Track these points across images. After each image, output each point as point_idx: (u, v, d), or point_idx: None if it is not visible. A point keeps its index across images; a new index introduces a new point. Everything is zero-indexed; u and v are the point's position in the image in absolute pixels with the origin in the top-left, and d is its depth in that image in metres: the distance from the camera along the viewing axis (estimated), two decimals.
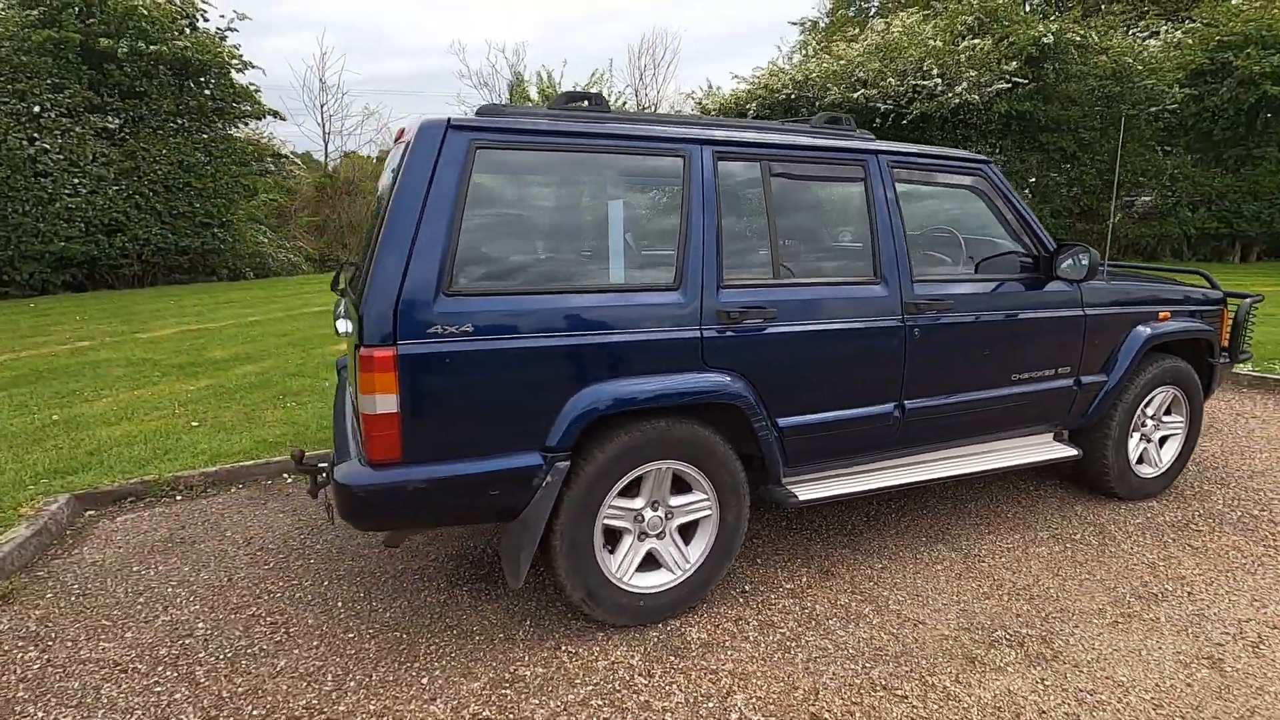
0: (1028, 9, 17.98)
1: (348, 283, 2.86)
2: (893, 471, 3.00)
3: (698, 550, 2.63)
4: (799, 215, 2.75)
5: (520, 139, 2.32)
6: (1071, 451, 3.38)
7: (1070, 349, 3.23)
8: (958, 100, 15.38)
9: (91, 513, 3.66)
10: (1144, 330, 3.41)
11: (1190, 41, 15.75)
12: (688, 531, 2.65)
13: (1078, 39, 15.65)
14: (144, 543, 3.32)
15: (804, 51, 18.40)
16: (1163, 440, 3.71)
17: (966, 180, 3.11)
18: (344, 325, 2.98)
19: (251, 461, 4.12)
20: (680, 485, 2.60)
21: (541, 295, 2.29)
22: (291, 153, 19.72)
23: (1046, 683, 2.28)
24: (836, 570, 2.98)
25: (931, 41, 15.90)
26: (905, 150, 2.92)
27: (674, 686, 2.27)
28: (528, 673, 2.34)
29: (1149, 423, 3.62)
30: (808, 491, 2.77)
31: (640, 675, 2.33)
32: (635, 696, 2.23)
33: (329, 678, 2.32)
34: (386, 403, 2.12)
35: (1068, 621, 2.61)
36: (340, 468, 2.24)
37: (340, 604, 2.78)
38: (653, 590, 2.56)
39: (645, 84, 30.92)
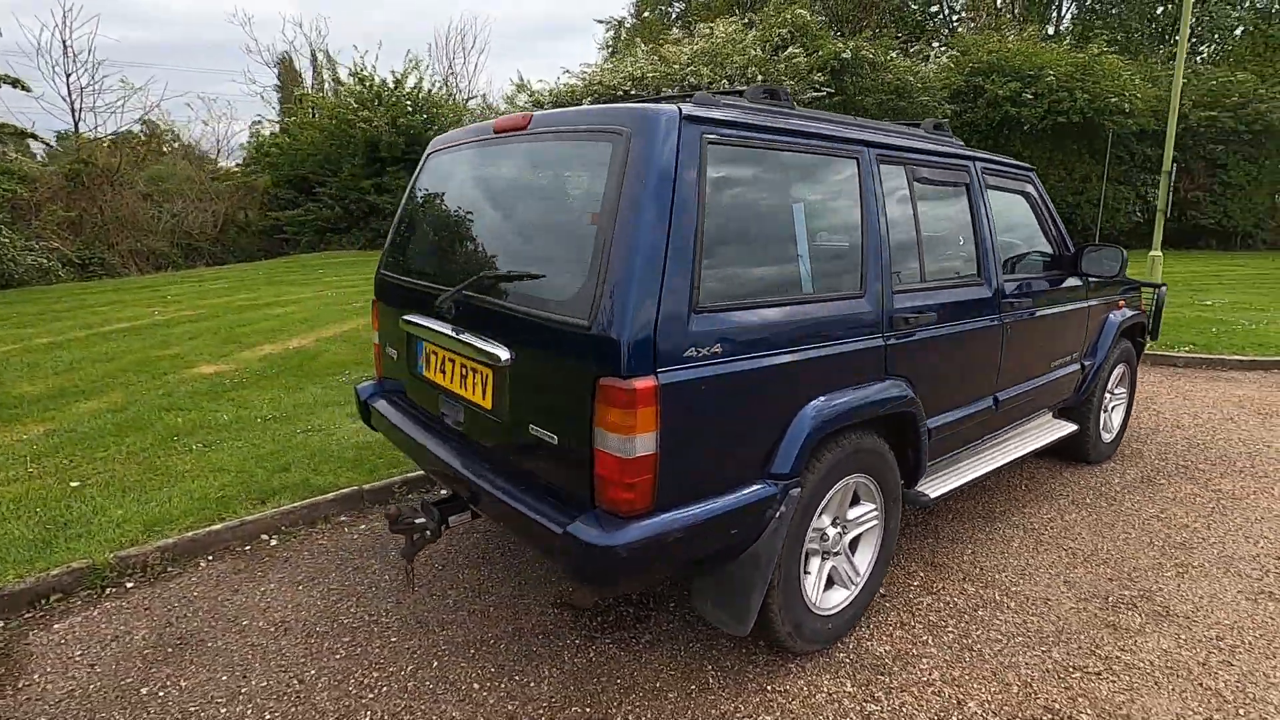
0: (828, 26, 19.94)
1: (453, 303, 2.34)
2: (978, 460, 3.18)
3: (864, 561, 2.58)
4: (930, 219, 2.80)
5: (745, 134, 2.09)
6: (1073, 427, 3.84)
7: (1081, 336, 3.68)
8: None
9: (1, 625, 2.66)
10: (1116, 317, 3.98)
11: (951, 66, 18.55)
12: (854, 545, 2.59)
13: (870, 56, 17.69)
14: (127, 651, 2.48)
15: (631, 51, 18.70)
16: (1112, 409, 4.37)
17: (1023, 185, 3.39)
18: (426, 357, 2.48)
19: (216, 526, 3.26)
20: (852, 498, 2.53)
21: (770, 307, 2.08)
22: (31, 133, 15.86)
23: (1182, 637, 2.58)
24: (941, 561, 3.10)
25: (752, 50, 17.04)
26: (989, 157, 3.12)
27: (907, 707, 2.22)
28: None
29: (1108, 396, 4.24)
30: (933, 489, 2.85)
31: (868, 701, 2.23)
32: None
33: None
34: (646, 443, 1.79)
35: (1148, 579, 2.97)
36: (583, 528, 1.84)
37: (480, 686, 2.31)
38: (836, 610, 2.47)
39: (455, 73, 29.52)
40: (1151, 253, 9.01)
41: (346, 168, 18.20)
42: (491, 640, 2.55)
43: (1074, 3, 27.52)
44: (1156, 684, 2.33)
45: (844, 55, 17.33)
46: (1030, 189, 3.44)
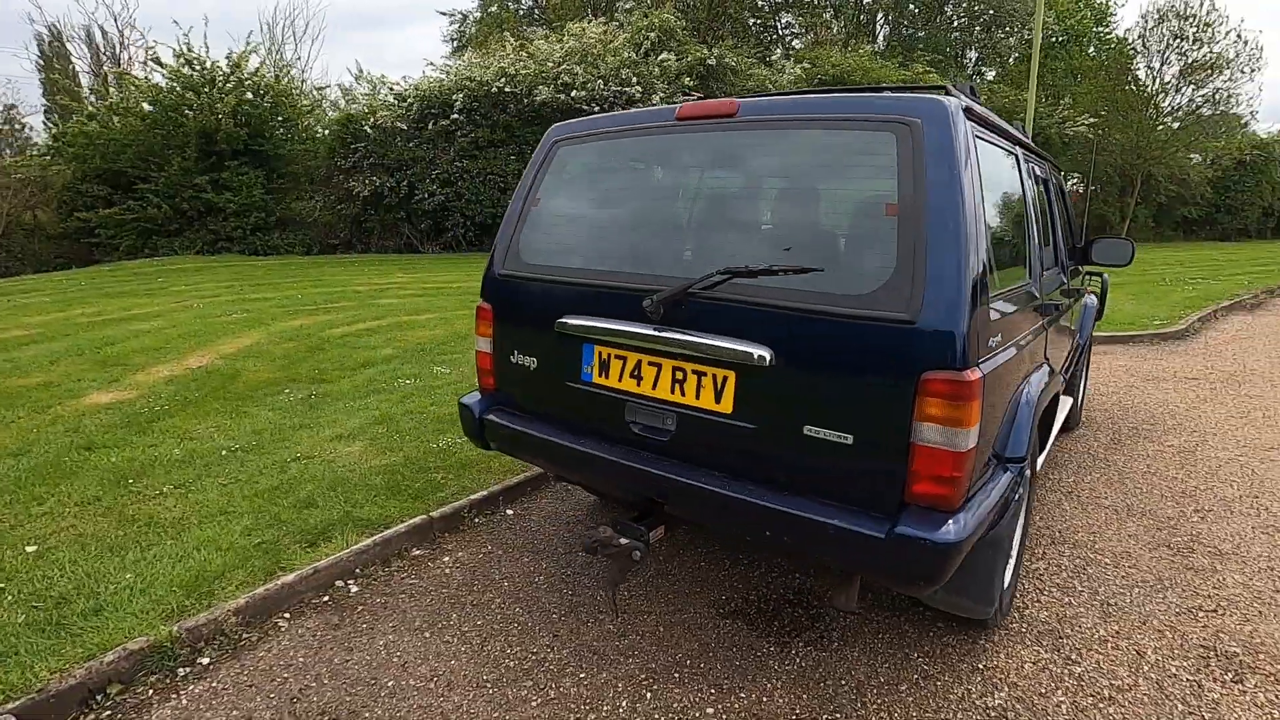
0: (689, 33, 20.61)
1: (664, 302, 2.13)
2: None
3: (1017, 533, 2.74)
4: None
5: (985, 129, 2.13)
6: (1071, 399, 4.34)
7: (1079, 316, 4.16)
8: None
9: None
10: (1090, 300, 4.54)
11: (802, 76, 19.96)
12: None
13: (732, 64, 18.59)
14: None
15: (500, 45, 18.10)
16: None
17: (1056, 176, 3.75)
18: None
19: (286, 578, 2.73)
20: None
21: (1011, 297, 2.14)
22: None
23: (1246, 569, 3.02)
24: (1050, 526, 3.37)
25: (625, 52, 17.24)
26: (1040, 151, 3.43)
27: (1104, 663, 2.39)
28: (997, 701, 2.20)
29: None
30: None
31: (1070, 664, 2.38)
32: (1103, 681, 2.28)
33: None
34: (974, 436, 1.77)
35: (1186, 526, 3.44)
36: (918, 528, 1.77)
37: (714, 709, 2.15)
38: (1010, 582, 2.60)
39: (288, 61, 26.84)
40: None
41: (176, 161, 15.90)
42: (687, 661, 2.39)
43: (886, 27, 30.79)
44: (1260, 611, 2.71)
45: (709, 61, 18.02)
46: (1054, 180, 3.84)
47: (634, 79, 16.78)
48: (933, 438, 1.76)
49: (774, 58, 21.28)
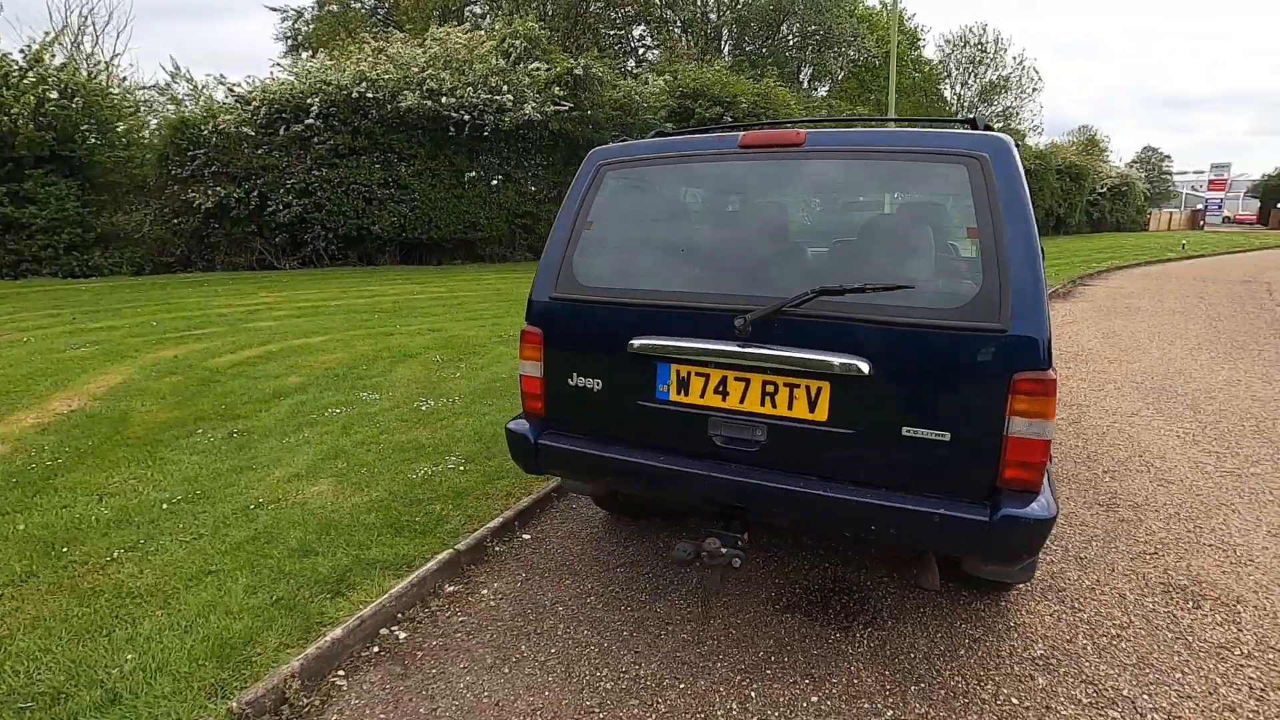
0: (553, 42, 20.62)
1: (754, 321, 2.24)
2: None
3: None
4: None
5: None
6: None
7: None
8: (525, 117, 16.87)
9: None
10: None
11: (666, 88, 20.69)
12: None
13: (599, 75, 18.89)
14: None
15: (358, 47, 17.06)
16: None
17: None
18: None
19: (334, 632, 2.51)
20: None
21: None
22: None
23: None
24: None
25: (492, 60, 16.98)
26: None
27: (1110, 609, 2.82)
28: (1040, 652, 2.54)
29: None
30: None
31: (1086, 611, 2.79)
32: (1107, 623, 2.70)
33: None
34: (1051, 428, 2.04)
35: (1142, 494, 4.08)
36: (1019, 509, 2.00)
37: (819, 698, 2.29)
38: None
39: (87, 53, 23.55)
40: None
41: None
42: (770, 657, 2.51)
43: (730, 42, 32.67)
44: (1187, 549, 3.31)
45: (577, 71, 18.19)
46: None
47: (504, 87, 16.56)
48: (1022, 430, 2.03)
49: (630, 67, 21.84)
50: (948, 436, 2.09)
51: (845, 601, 2.85)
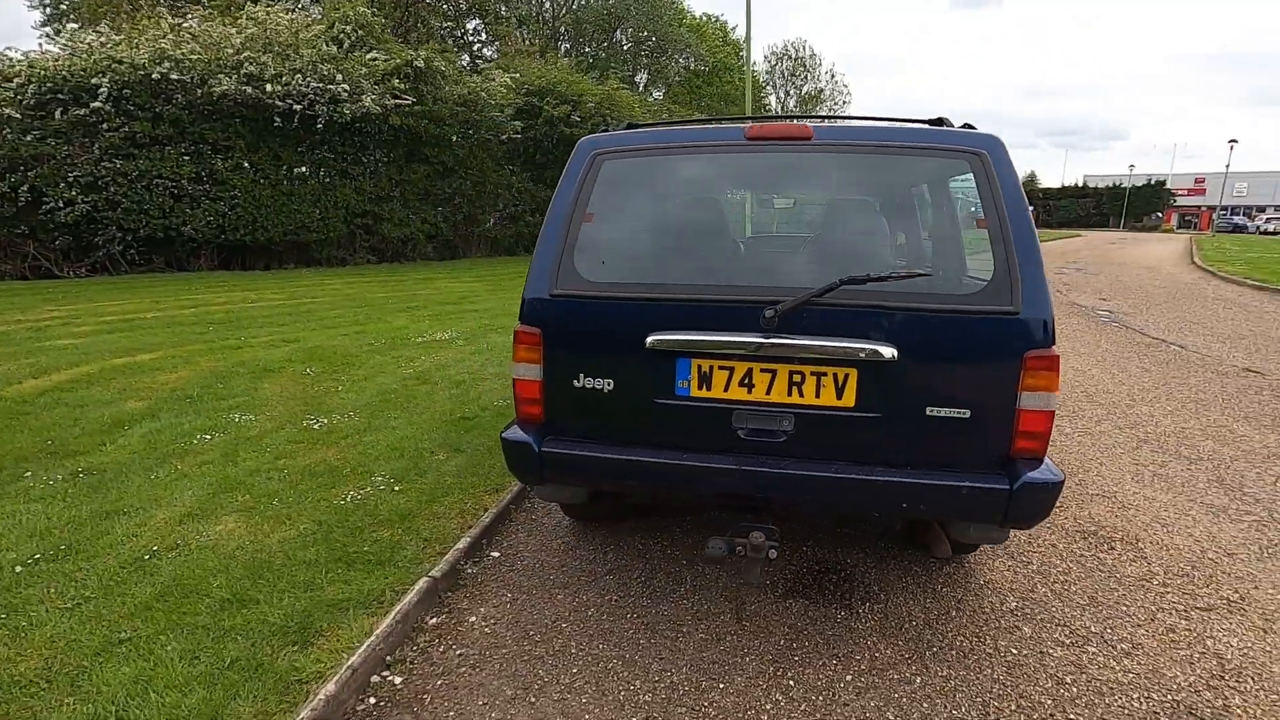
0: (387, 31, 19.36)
1: (780, 312, 2.23)
2: None
3: None
4: None
5: None
6: None
7: None
8: (364, 110, 15.76)
9: None
10: None
11: (511, 85, 20.26)
12: None
13: (442, 68, 18.09)
14: None
15: (154, 24, 14.79)
16: None
17: None
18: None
19: (327, 688, 2.14)
20: None
21: None
22: None
23: None
24: None
25: (322, 45, 15.67)
26: None
27: (1049, 558, 3.16)
28: (1013, 605, 2.79)
29: None
30: None
31: (1034, 563, 3.10)
32: (1053, 571, 3.03)
33: None
34: (1055, 400, 2.23)
35: None
36: (1035, 475, 2.16)
37: (854, 677, 2.34)
38: None
39: None
40: None
41: None
42: (793, 644, 2.53)
43: (567, 43, 32.71)
44: (1080, 501, 3.81)
45: (417, 63, 17.30)
46: None
47: (339, 76, 15.30)
48: (1032, 403, 2.21)
49: (465, 63, 21.18)
50: (968, 414, 2.24)
51: (837, 581, 2.95)
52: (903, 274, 2.24)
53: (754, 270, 2.40)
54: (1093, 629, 2.63)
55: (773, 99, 31.03)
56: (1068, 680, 2.34)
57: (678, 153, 2.50)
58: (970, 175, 2.28)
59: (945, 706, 2.21)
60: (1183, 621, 2.69)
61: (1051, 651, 2.50)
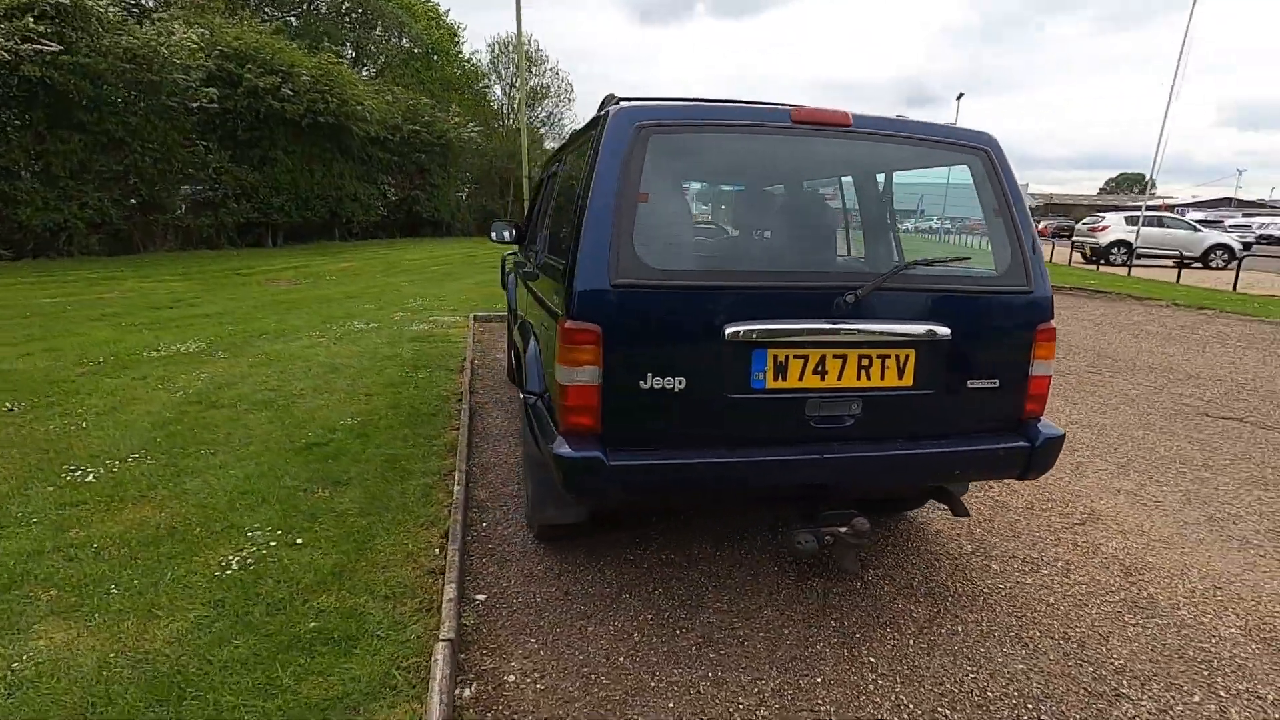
0: None
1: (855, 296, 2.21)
2: None
3: None
4: None
5: None
6: None
7: None
8: None
9: None
10: None
11: (200, 45, 16.94)
12: None
13: (99, 10, 14.45)
14: None
15: None
16: None
17: None
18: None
19: None
20: None
21: None
22: None
23: None
24: None
25: None
26: None
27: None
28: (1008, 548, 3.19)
29: None
30: None
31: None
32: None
33: None
34: (1052, 366, 2.57)
35: None
36: (1044, 433, 2.45)
37: (882, 656, 2.45)
38: None
39: None
40: None
41: None
42: (846, 622, 2.56)
43: (253, 3, 28.27)
44: None
45: (62, 2, 13.63)
46: None
47: None
48: (1039, 370, 2.53)
49: (158, 16, 17.33)
50: (997, 383, 2.49)
51: (830, 554, 3.08)
52: (949, 259, 2.40)
53: (816, 254, 2.36)
54: (1032, 555, 3.13)
55: (498, 89, 30.56)
56: (1051, 600, 2.76)
57: (726, 130, 2.34)
58: (966, 168, 2.52)
59: (995, 647, 2.46)
60: (1072, 535, 3.34)
61: (1024, 580, 2.92)
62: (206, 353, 6.56)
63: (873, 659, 2.38)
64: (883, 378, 2.35)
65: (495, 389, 5.63)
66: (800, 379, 2.29)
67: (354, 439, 4.19)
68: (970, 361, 2.45)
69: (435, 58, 32.27)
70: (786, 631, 2.52)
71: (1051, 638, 2.52)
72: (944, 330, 2.35)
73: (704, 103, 2.40)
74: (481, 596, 2.68)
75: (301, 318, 8.74)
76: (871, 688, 2.23)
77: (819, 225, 2.57)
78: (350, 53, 30.70)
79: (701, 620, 2.57)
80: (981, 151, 2.53)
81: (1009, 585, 2.87)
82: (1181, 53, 16.64)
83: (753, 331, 2.19)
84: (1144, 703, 2.19)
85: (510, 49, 29.49)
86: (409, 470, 3.73)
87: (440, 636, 2.25)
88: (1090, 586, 2.87)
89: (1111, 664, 2.37)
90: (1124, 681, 2.28)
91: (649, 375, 2.18)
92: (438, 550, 2.88)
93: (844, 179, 2.70)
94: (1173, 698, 2.22)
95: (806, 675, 2.29)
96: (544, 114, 30.99)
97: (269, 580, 2.63)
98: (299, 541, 2.92)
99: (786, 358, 2.26)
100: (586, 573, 2.87)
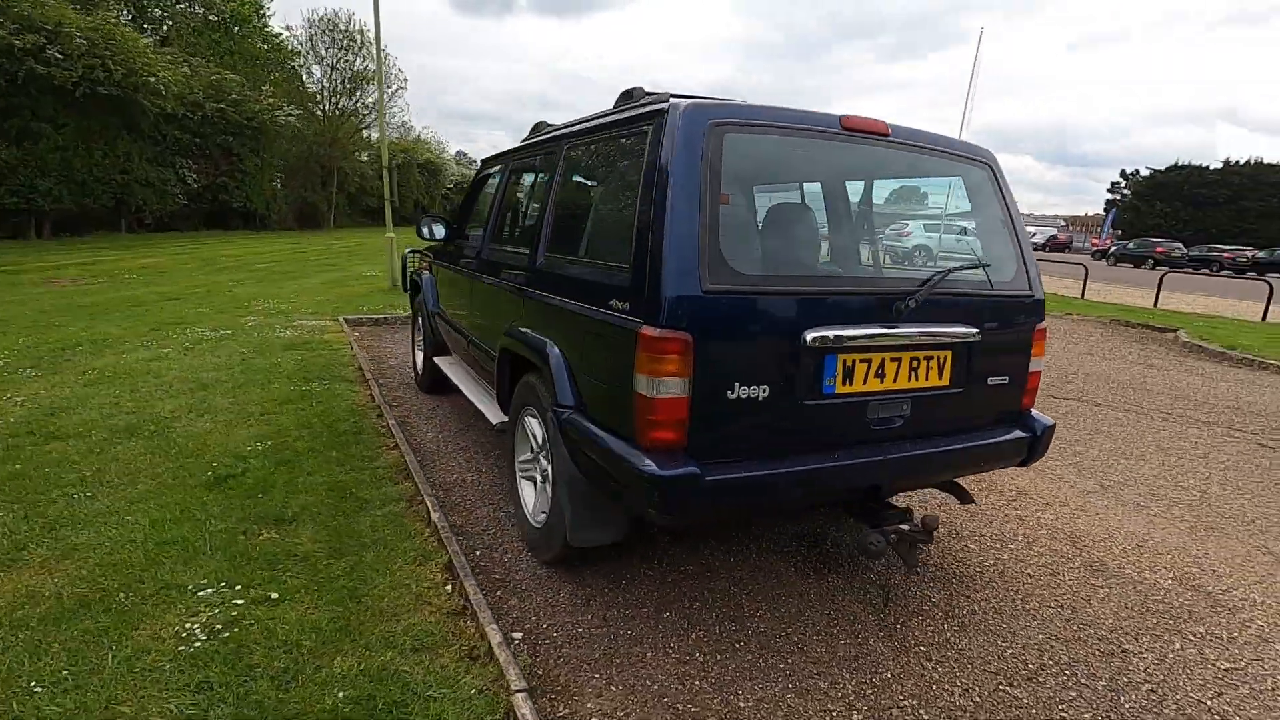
0: None
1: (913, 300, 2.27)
2: None
3: None
4: None
5: None
6: None
7: None
8: None
9: None
10: None
11: None
12: None
13: None
14: None
15: None
16: None
17: None
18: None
19: None
20: None
21: None
22: None
23: None
24: None
25: None
26: None
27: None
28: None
29: None
30: None
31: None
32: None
33: None
34: (1042, 363, 2.82)
35: None
36: (1044, 422, 2.68)
37: (930, 633, 2.58)
38: None
39: None
40: (388, 234, 10.80)
41: None
42: (894, 612, 2.65)
43: None
44: None
45: None
46: None
47: None
48: (1036, 366, 2.78)
49: None
50: (1007, 379, 2.70)
51: (835, 548, 3.17)
52: (976, 265, 2.56)
53: (871, 259, 2.40)
54: (995, 532, 3.45)
55: (316, 70, 27.74)
56: (1030, 572, 3.06)
57: (788, 132, 2.29)
58: (990, 179, 2.72)
59: (1013, 621, 2.67)
60: (1016, 511, 3.74)
61: (1001, 556, 3.21)
62: (7, 371, 5.32)
63: (922, 647, 2.48)
64: (927, 378, 2.46)
65: (410, 400, 5.13)
66: (864, 383, 2.32)
67: (275, 466, 3.60)
68: (990, 361, 2.63)
69: (236, 29, 28.72)
70: (835, 631, 2.55)
71: (1050, 607, 2.78)
72: (974, 332, 2.50)
73: (756, 106, 2.35)
74: (518, 635, 2.42)
75: (117, 324, 7.39)
76: (935, 676, 2.32)
77: (869, 230, 2.63)
78: (126, 13, 26.41)
79: (753, 631, 2.52)
80: (984, 165, 2.73)
81: (993, 562, 3.13)
82: (971, 79, 19.25)
83: (830, 337, 2.18)
84: (1147, 655, 2.49)
85: (334, 29, 27.04)
86: (363, 499, 3.28)
87: (512, 687, 1.99)
88: (1052, 557, 3.21)
89: (1105, 625, 2.67)
90: (1123, 639, 2.58)
91: (736, 385, 2.09)
92: (449, 588, 2.55)
93: (877, 185, 2.80)
94: (1163, 647, 2.55)
95: (876, 673, 2.33)
96: (371, 99, 28.77)
97: (257, 649, 2.17)
98: (272, 596, 2.44)
99: (854, 362, 2.28)
100: (613, 595, 2.70)
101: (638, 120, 2.31)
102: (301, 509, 3.13)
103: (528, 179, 3.44)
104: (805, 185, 2.77)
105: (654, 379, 2.00)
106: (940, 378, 2.49)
